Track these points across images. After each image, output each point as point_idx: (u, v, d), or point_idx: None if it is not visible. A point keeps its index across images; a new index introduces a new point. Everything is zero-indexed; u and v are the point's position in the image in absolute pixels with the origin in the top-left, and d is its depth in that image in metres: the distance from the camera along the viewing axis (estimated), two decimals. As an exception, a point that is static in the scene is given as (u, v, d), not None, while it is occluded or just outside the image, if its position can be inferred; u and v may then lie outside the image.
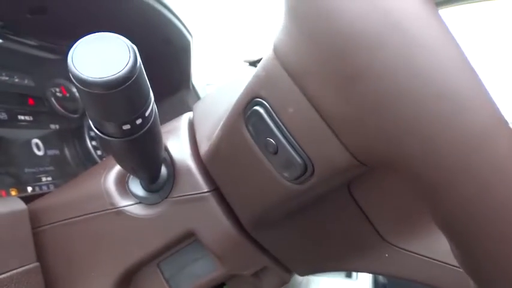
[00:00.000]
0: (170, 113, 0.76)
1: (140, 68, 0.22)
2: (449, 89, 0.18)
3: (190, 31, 0.63)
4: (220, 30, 1.07)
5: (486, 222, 0.19)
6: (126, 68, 0.21)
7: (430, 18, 0.18)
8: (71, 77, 0.21)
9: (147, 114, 0.24)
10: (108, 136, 0.24)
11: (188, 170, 0.35)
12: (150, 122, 0.25)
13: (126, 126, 0.23)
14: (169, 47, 0.61)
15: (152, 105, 0.25)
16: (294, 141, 0.25)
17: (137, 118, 0.24)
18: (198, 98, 0.75)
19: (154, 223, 0.35)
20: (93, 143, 0.65)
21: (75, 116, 0.63)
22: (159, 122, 0.28)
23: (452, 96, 0.18)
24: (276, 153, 0.26)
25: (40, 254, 0.36)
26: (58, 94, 0.60)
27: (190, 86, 0.73)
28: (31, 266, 0.35)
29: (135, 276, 0.38)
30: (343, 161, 0.23)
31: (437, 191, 0.20)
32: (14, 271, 0.33)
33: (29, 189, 0.52)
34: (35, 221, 0.36)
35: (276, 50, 0.24)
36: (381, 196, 0.33)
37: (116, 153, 0.27)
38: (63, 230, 0.37)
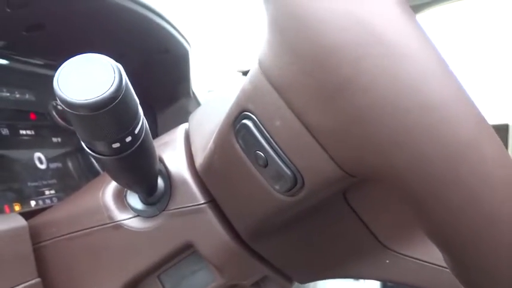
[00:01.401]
0: (171, 121, 0.76)
1: (126, 87, 0.22)
2: (432, 99, 0.18)
3: (188, 40, 0.63)
4: (222, 36, 1.08)
5: (474, 232, 0.19)
6: (111, 89, 0.21)
7: (409, 28, 0.18)
8: (58, 99, 0.21)
9: (136, 131, 0.24)
10: (99, 154, 0.25)
11: (184, 182, 0.35)
12: (141, 139, 0.25)
13: (116, 145, 0.24)
14: (167, 56, 0.61)
15: (142, 122, 0.25)
16: (283, 154, 0.25)
17: (126, 136, 0.24)
18: (198, 105, 0.75)
19: (152, 236, 0.35)
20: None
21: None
22: (150, 138, 0.28)
23: (436, 106, 0.18)
24: (266, 166, 0.26)
25: (41, 269, 0.36)
26: (59, 107, 0.61)
27: (191, 94, 0.73)
28: (32, 281, 0.35)
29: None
30: (331, 173, 0.23)
31: (424, 202, 0.19)
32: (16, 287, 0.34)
33: (32, 203, 0.53)
34: (35, 236, 0.37)
35: (260, 64, 0.24)
36: (378, 203, 0.33)
37: (108, 170, 0.27)
38: (63, 244, 0.37)
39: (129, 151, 0.25)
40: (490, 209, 0.18)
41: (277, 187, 0.26)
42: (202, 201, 0.34)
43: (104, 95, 0.20)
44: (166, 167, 0.36)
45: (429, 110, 0.18)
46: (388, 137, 0.19)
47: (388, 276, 0.37)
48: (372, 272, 0.37)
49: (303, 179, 0.25)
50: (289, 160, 0.25)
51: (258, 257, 0.36)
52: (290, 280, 0.39)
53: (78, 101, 0.20)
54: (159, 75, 0.64)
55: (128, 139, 0.24)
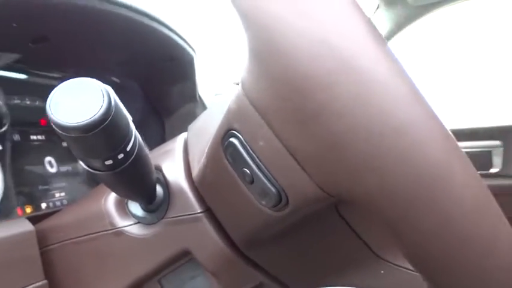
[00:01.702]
0: (179, 126, 0.78)
1: (116, 109, 0.23)
2: (402, 124, 0.18)
3: (193, 47, 0.64)
4: (229, 38, 1.09)
5: (446, 255, 0.20)
6: (100, 112, 0.22)
7: (380, 55, 0.19)
8: (51, 122, 0.22)
9: (128, 149, 0.26)
10: (94, 170, 0.26)
11: (181, 191, 0.36)
12: (133, 155, 0.27)
13: (109, 162, 0.25)
14: (173, 63, 0.62)
15: (134, 139, 0.26)
16: (268, 172, 0.26)
17: (118, 154, 0.25)
18: (205, 108, 0.77)
19: (151, 242, 0.36)
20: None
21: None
22: (144, 152, 0.29)
23: (405, 132, 0.18)
24: (252, 182, 0.27)
25: (48, 271, 0.38)
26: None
27: (197, 98, 0.75)
28: (39, 283, 0.37)
29: None
30: (312, 193, 0.24)
31: (398, 225, 0.20)
32: (22, 290, 0.36)
33: (43, 205, 0.55)
34: (42, 240, 0.39)
35: (243, 86, 0.25)
36: (370, 214, 0.34)
37: (105, 183, 0.29)
38: (69, 248, 0.39)
39: (122, 167, 0.26)
40: (462, 231, 0.19)
41: (263, 202, 0.28)
42: (199, 211, 0.35)
43: (94, 117, 0.22)
44: (164, 176, 0.37)
45: (399, 136, 0.18)
46: (360, 162, 0.20)
47: (383, 287, 0.38)
48: (367, 282, 0.38)
49: (287, 197, 0.26)
50: (274, 178, 0.26)
51: (253, 264, 0.37)
52: (287, 287, 0.41)
53: (69, 124, 0.22)
54: (165, 82, 0.65)
55: (120, 156, 0.25)
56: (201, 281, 0.38)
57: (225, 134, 0.28)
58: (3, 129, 0.49)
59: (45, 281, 0.38)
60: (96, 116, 0.22)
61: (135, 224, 0.37)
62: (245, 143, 0.26)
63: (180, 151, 0.39)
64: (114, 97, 0.24)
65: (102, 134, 0.23)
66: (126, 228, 0.37)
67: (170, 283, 0.39)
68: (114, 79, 0.72)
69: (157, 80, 0.64)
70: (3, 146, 0.49)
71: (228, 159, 0.29)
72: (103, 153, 0.25)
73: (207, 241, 0.35)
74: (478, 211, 0.19)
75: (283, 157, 0.24)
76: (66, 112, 0.22)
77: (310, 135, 0.21)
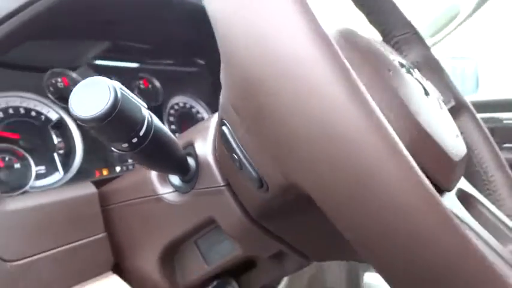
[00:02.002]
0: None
1: (123, 102, 0.28)
2: (337, 131, 0.19)
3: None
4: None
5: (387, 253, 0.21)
6: (107, 106, 0.27)
7: (319, 57, 0.19)
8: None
9: (141, 133, 0.30)
10: (119, 151, 0.31)
11: (208, 165, 0.40)
12: (149, 137, 0.31)
13: (125, 145, 0.30)
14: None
15: (146, 125, 0.31)
16: (250, 159, 0.28)
17: (132, 138, 0.30)
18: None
19: (184, 209, 0.42)
20: (172, 126, 0.75)
21: (157, 103, 0.73)
22: (163, 133, 0.33)
23: (341, 137, 0.19)
24: (241, 168, 0.30)
25: (107, 226, 0.46)
26: (141, 87, 0.71)
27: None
28: (100, 235, 0.45)
29: (179, 250, 0.46)
30: (284, 182, 0.26)
31: (332, 215, 0.22)
32: (87, 239, 0.44)
33: (118, 169, 0.64)
34: (104, 200, 0.47)
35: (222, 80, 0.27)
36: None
37: (134, 160, 0.34)
38: (123, 209, 0.46)
39: (140, 147, 0.31)
40: (399, 232, 0.20)
41: (251, 186, 0.30)
42: (222, 184, 0.39)
43: (102, 111, 0.27)
44: (195, 151, 0.42)
45: (330, 141, 0.19)
46: (298, 163, 0.21)
47: None
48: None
49: (266, 183, 0.28)
50: (254, 165, 0.28)
51: (271, 234, 0.41)
52: (307, 257, 0.43)
53: (84, 117, 0.27)
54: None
55: (134, 140, 0.30)
56: (228, 244, 0.43)
57: (220, 122, 0.31)
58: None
59: (104, 234, 0.45)
60: (104, 110, 0.27)
61: (173, 192, 0.43)
62: (232, 133, 0.29)
63: (213, 128, 0.43)
64: (122, 91, 0.28)
65: (112, 123, 0.27)
66: (165, 196, 0.43)
67: (204, 244, 0.44)
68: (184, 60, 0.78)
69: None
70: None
71: (224, 145, 0.32)
72: (119, 139, 0.29)
73: (228, 211, 0.39)
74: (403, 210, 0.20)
75: (257, 146, 0.26)
76: (82, 108, 0.27)
77: (262, 133, 0.23)
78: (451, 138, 0.37)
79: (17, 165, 0.52)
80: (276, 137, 0.21)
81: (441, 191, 0.35)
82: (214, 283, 0.45)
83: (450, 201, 0.35)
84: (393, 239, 0.20)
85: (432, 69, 0.60)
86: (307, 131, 0.20)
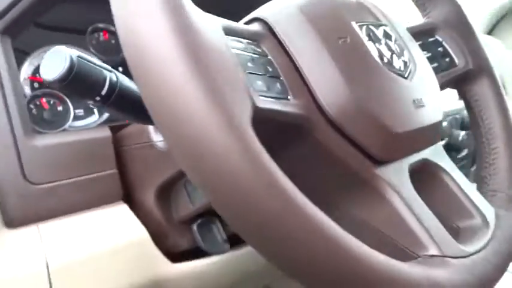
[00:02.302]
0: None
1: (78, 68, 0.34)
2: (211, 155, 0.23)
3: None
4: None
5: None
6: (63, 71, 0.33)
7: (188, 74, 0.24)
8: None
9: (103, 93, 0.36)
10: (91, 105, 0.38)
11: None
12: (113, 95, 0.37)
13: (90, 102, 0.37)
14: None
15: (108, 84, 0.36)
16: None
17: (96, 96, 0.36)
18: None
19: (171, 156, 0.48)
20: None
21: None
22: (130, 91, 0.39)
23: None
24: None
25: (120, 164, 0.55)
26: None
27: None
28: (111, 171, 0.54)
29: (173, 189, 0.53)
30: None
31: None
32: (102, 173, 0.53)
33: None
34: (118, 143, 0.55)
35: None
36: None
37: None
38: (131, 151, 0.55)
39: (107, 103, 0.37)
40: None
41: None
42: None
43: (59, 74, 0.33)
44: None
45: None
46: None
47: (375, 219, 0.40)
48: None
49: None
50: None
51: None
52: None
53: (47, 79, 0.34)
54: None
55: (97, 98, 0.36)
56: None
57: None
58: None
59: (115, 170, 0.54)
60: (61, 73, 0.33)
61: (163, 140, 0.49)
62: None
63: None
64: (80, 58, 0.34)
65: (72, 84, 0.34)
66: (157, 143, 0.50)
67: (190, 186, 0.51)
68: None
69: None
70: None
71: None
72: (83, 96, 0.36)
73: None
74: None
75: None
76: (47, 72, 0.34)
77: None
78: (400, 109, 0.38)
79: (60, 108, 0.63)
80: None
81: (378, 161, 0.36)
82: (199, 221, 0.52)
83: (387, 171, 0.36)
84: (231, 199, 0.24)
85: (456, 27, 0.56)
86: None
